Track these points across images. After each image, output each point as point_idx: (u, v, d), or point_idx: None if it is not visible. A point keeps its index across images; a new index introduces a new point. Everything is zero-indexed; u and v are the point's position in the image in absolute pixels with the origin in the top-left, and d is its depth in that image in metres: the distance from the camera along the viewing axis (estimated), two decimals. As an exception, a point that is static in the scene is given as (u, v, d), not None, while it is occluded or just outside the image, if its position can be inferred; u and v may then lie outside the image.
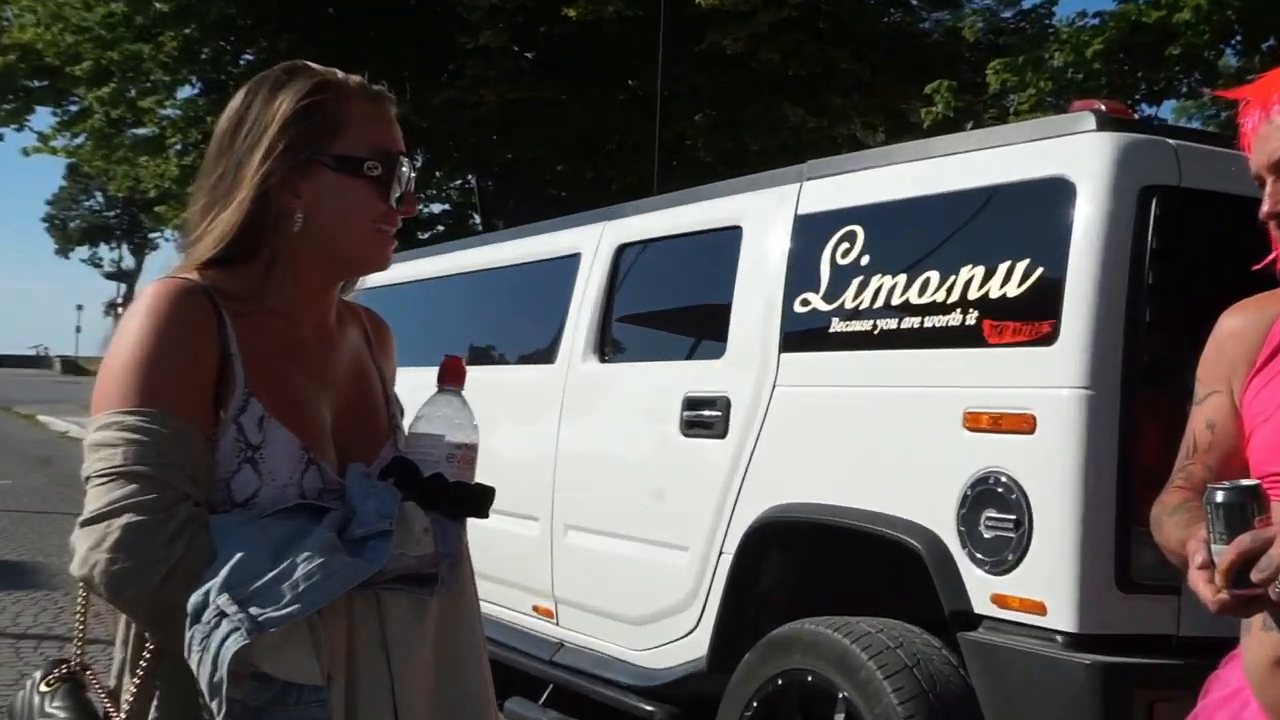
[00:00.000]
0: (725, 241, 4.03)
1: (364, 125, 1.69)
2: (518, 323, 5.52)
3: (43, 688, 1.68)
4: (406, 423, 1.76)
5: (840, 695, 3.16)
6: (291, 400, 1.65)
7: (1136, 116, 4.60)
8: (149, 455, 1.49)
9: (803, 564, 3.69)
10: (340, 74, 1.72)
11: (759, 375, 3.72)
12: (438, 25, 16.58)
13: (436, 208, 21.30)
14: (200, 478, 1.54)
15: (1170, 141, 3.09)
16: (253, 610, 1.42)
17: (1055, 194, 3.08)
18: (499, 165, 17.91)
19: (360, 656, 1.57)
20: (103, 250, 66.52)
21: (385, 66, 17.08)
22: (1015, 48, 13.57)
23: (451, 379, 1.71)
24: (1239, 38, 11.33)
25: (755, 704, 3.39)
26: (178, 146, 18.66)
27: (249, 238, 1.63)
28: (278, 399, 1.63)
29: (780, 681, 3.34)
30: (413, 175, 1.72)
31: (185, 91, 18.93)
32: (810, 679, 3.25)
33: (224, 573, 1.44)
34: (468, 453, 1.67)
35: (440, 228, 20.32)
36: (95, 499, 1.49)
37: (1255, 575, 1.51)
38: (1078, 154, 3.08)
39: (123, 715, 1.57)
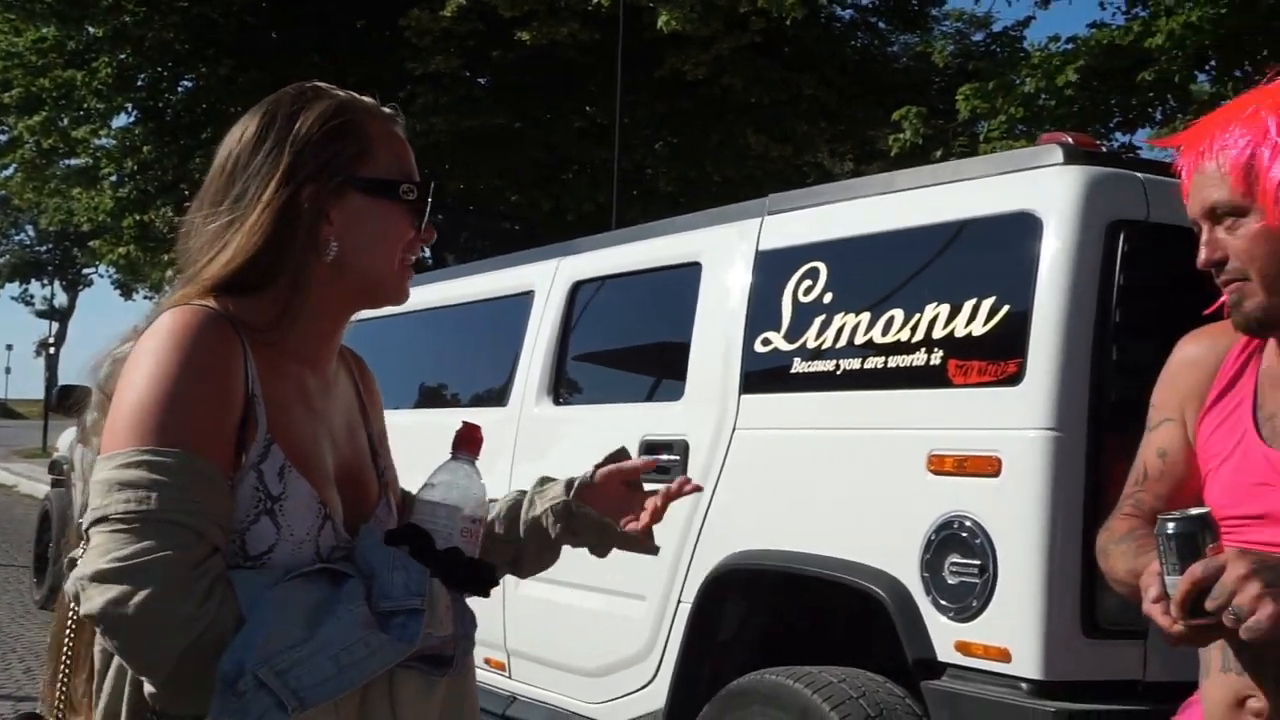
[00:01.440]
0: (684, 279, 4.08)
1: (390, 148, 1.67)
2: (469, 363, 5.55)
3: None
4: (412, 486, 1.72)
5: (802, 748, 3.19)
6: (305, 449, 1.60)
7: (1108, 147, 4.68)
8: (183, 501, 1.43)
9: (764, 613, 3.72)
10: (354, 94, 1.70)
11: (718, 418, 3.76)
12: (386, 51, 16.62)
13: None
14: (228, 529, 1.49)
15: (1138, 175, 3.15)
16: (293, 684, 1.38)
17: (1021, 229, 3.13)
18: (451, 196, 17.92)
19: None
20: (34, 287, 65.85)
21: (332, 93, 17.10)
22: (986, 73, 13.73)
23: (467, 447, 1.68)
24: (1212, 64, 11.53)
25: (715, 759, 3.42)
26: (113, 178, 18.57)
27: (268, 262, 1.58)
28: (294, 447, 1.58)
29: (741, 736, 3.36)
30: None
31: (120, 120, 18.87)
32: (771, 732, 3.28)
33: (261, 639, 1.39)
34: (478, 527, 1.64)
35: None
36: (118, 544, 1.41)
37: (1209, 604, 1.57)
38: (1044, 188, 3.13)
39: None
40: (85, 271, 53.20)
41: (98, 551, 1.42)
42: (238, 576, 1.47)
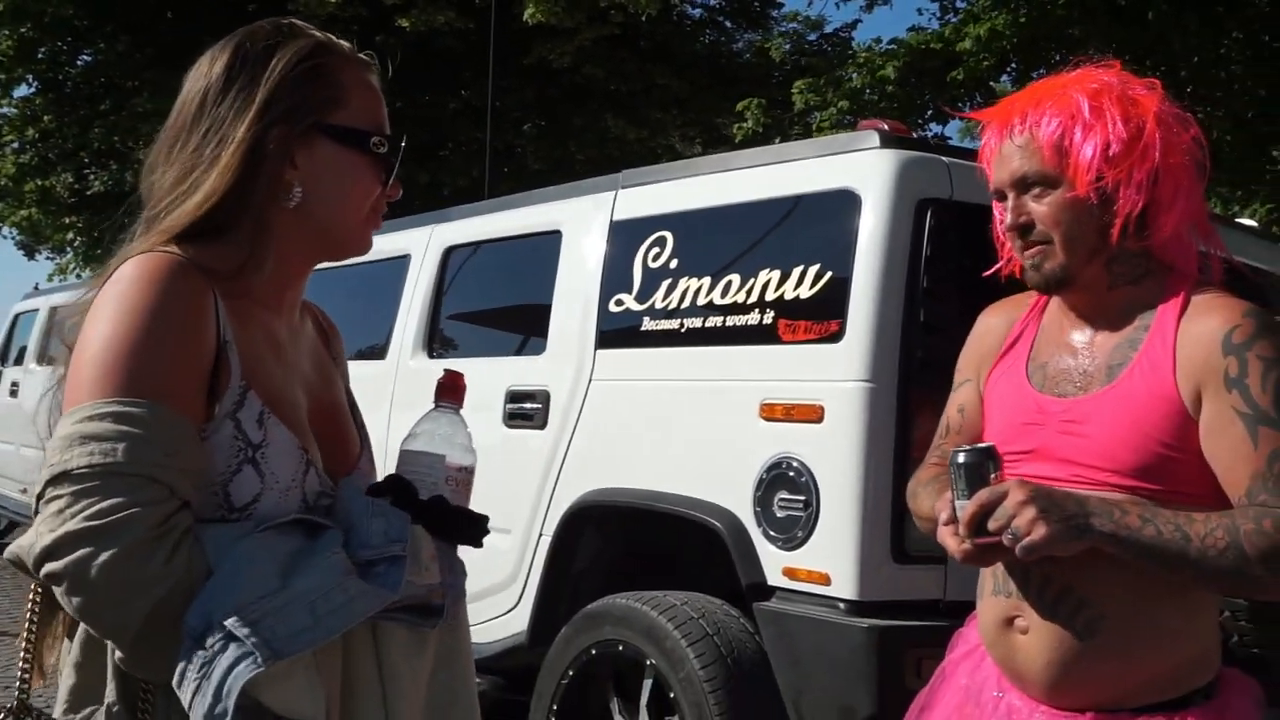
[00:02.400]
0: (546, 245, 4.06)
1: (363, 96, 1.46)
2: (352, 320, 5.44)
3: None
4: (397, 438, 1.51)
5: (648, 662, 3.22)
6: (280, 396, 1.41)
7: (920, 135, 4.73)
8: (152, 455, 1.23)
9: (616, 544, 3.73)
10: (333, 38, 1.47)
11: (576, 370, 3.76)
12: (276, 32, 16.17)
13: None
14: (200, 482, 1.29)
15: (944, 159, 3.20)
16: (265, 634, 1.19)
17: (843, 205, 3.17)
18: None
19: (356, 691, 1.34)
20: (-64, 246, 62.71)
21: (224, 71, 16.59)
22: (818, 69, 13.88)
23: (450, 396, 1.50)
24: (1014, 66, 11.82)
25: (571, 673, 3.43)
26: (14, 145, 17.78)
27: (234, 207, 1.37)
28: (269, 393, 1.38)
29: (594, 651, 3.38)
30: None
31: (22, 90, 18.04)
32: (621, 648, 3.30)
33: (231, 591, 1.21)
34: (466, 476, 1.47)
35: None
36: (80, 501, 1.21)
37: (992, 524, 1.63)
38: (862, 169, 3.17)
39: None
40: (-12, 233, 50.65)
41: (56, 510, 1.21)
42: (206, 531, 1.28)
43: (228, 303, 1.36)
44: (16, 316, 9.06)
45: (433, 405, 1.50)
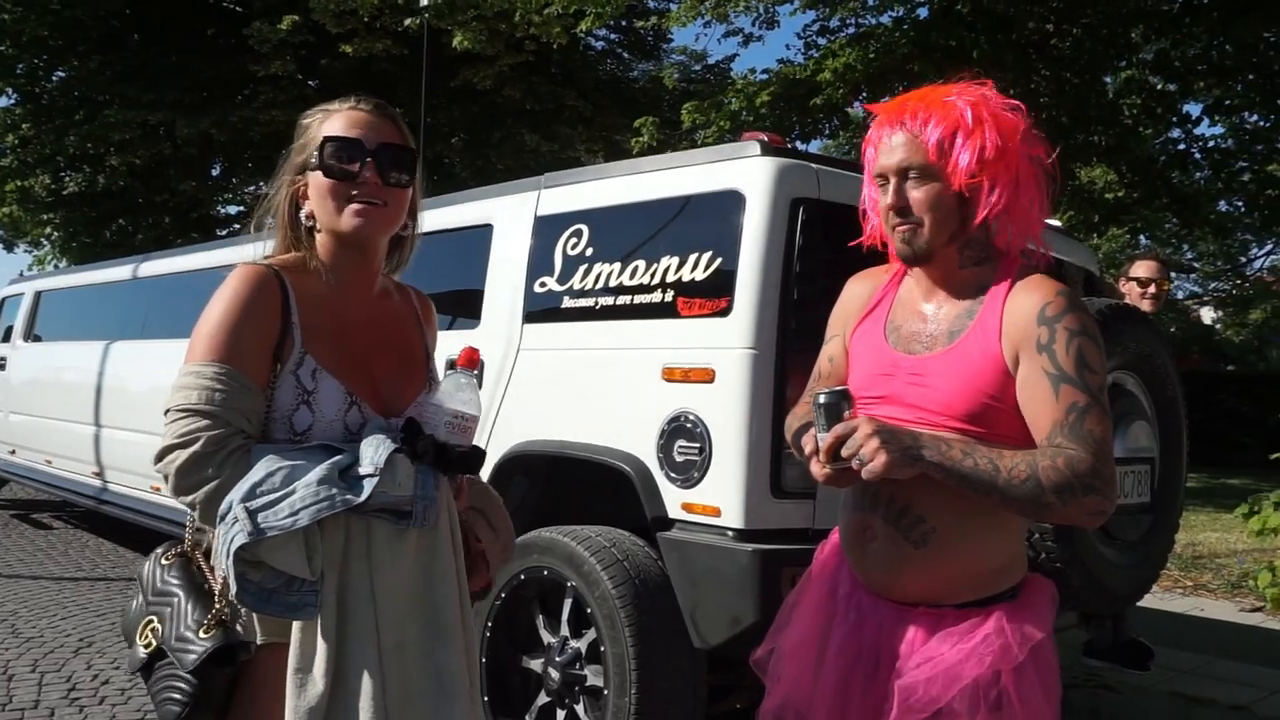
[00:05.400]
0: (480, 236, 4.03)
1: (317, 133, 1.73)
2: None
3: (163, 561, 1.77)
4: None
5: (569, 584, 3.24)
6: (341, 356, 1.71)
7: (790, 146, 4.78)
8: (217, 399, 1.58)
9: (541, 486, 3.74)
10: (333, 103, 1.77)
11: (506, 342, 3.76)
12: (232, 54, 15.76)
13: (233, 209, 20.27)
14: (254, 418, 1.62)
15: (813, 165, 3.23)
16: (258, 519, 1.51)
17: (730, 203, 3.19)
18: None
19: (350, 562, 1.62)
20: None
21: (187, 86, 16.11)
22: (702, 94, 13.98)
23: (462, 363, 1.74)
24: (864, 95, 12.04)
25: (503, 595, 3.44)
26: (-5, 149, 17.06)
27: (290, 237, 1.76)
28: (330, 355, 1.69)
29: (523, 576, 3.39)
30: (381, 153, 1.71)
31: (2, 101, 17.32)
32: (546, 573, 3.31)
33: (244, 488, 1.53)
34: (463, 421, 1.69)
35: (237, 225, 19.39)
36: (174, 427, 1.59)
37: (845, 452, 1.70)
38: (746, 173, 3.19)
39: (215, 583, 1.69)
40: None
41: (165, 431, 1.59)
42: (256, 448, 1.59)
43: (302, 294, 1.68)
44: (3, 300, 8.72)
45: (454, 370, 1.73)
